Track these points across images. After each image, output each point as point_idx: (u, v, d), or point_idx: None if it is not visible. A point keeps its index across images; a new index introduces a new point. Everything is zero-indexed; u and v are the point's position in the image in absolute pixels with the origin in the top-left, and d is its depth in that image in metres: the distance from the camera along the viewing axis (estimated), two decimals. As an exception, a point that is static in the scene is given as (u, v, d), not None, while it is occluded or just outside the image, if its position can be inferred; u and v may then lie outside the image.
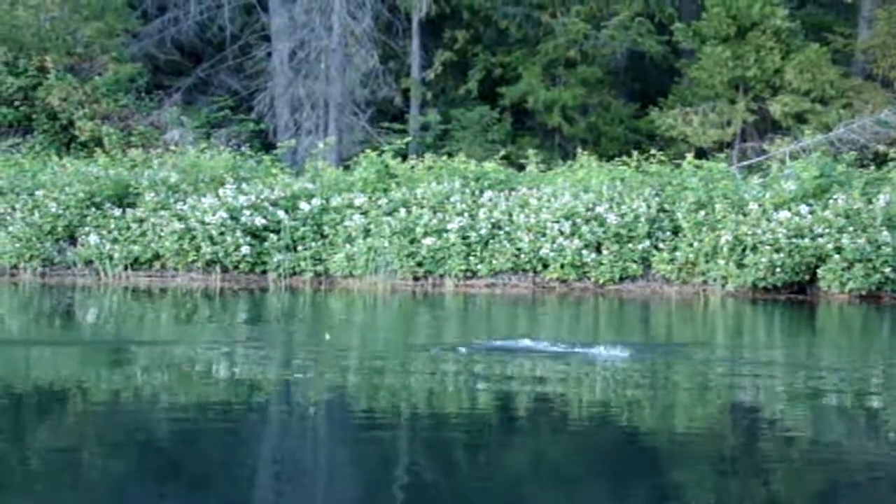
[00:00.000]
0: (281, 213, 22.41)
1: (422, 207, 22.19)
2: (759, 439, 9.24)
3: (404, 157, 25.31)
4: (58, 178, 23.20)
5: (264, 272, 22.32)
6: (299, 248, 22.32)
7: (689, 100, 30.85)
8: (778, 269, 20.61)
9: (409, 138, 28.80)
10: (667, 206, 21.97)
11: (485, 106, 31.65)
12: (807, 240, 20.71)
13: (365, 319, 18.31)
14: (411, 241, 21.88)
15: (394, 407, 10.16)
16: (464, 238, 21.82)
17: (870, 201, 21.18)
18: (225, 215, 22.07)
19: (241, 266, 22.22)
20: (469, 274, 21.94)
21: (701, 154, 26.13)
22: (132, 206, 22.91)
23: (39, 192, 22.88)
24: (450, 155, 25.49)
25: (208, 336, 14.98)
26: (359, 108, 30.96)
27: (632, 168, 22.90)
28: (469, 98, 32.26)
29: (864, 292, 20.55)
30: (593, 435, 9.32)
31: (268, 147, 27.85)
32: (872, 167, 23.85)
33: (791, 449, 8.77)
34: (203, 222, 22.09)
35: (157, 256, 22.44)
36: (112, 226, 22.52)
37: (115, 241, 22.36)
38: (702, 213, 21.44)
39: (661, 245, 21.56)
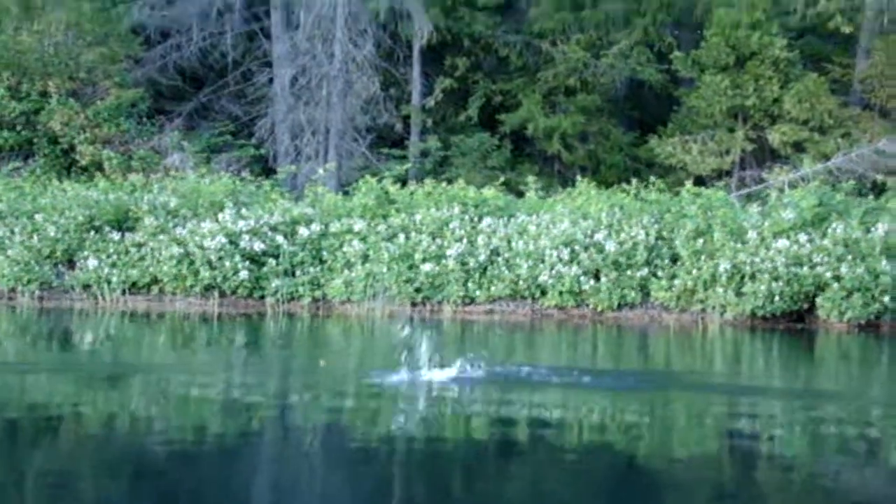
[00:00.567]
0: (280, 239, 22.41)
1: (420, 233, 22.19)
2: (756, 468, 9.21)
3: (404, 183, 25.35)
4: (57, 202, 23.20)
5: (262, 297, 22.29)
6: (298, 273, 22.31)
7: (689, 128, 30.94)
8: (777, 298, 20.59)
9: (409, 164, 28.87)
10: (665, 234, 21.96)
11: (484, 133, 31.74)
12: (805, 268, 20.70)
13: (363, 345, 18.26)
14: (410, 267, 21.88)
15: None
16: (462, 264, 21.81)
17: (868, 230, 21.17)
18: (224, 240, 22.06)
19: (239, 291, 22.18)
20: (467, 300, 21.92)
21: (700, 182, 26.17)
22: (131, 230, 22.89)
23: (39, 216, 22.88)
24: (449, 181, 25.51)
25: (205, 361, 14.94)
26: (359, 135, 31.05)
27: (631, 196, 22.91)
28: (469, 125, 32.37)
29: (862, 321, 20.51)
30: (591, 463, 9.30)
31: (268, 172, 27.88)
32: (871, 196, 23.88)
33: (789, 476, 8.73)
34: (202, 247, 22.09)
35: (155, 281, 22.40)
36: (111, 250, 22.49)
37: (113, 265, 22.34)
38: (700, 240, 21.43)
39: (659, 273, 21.55)
